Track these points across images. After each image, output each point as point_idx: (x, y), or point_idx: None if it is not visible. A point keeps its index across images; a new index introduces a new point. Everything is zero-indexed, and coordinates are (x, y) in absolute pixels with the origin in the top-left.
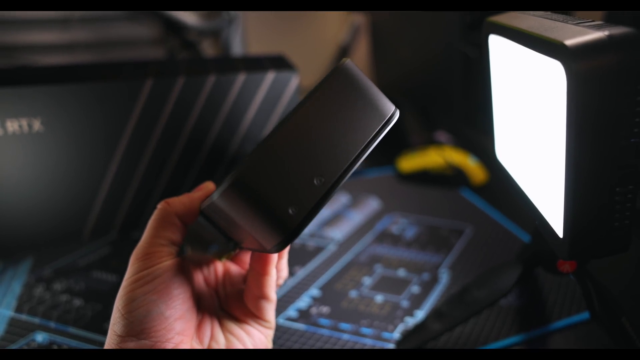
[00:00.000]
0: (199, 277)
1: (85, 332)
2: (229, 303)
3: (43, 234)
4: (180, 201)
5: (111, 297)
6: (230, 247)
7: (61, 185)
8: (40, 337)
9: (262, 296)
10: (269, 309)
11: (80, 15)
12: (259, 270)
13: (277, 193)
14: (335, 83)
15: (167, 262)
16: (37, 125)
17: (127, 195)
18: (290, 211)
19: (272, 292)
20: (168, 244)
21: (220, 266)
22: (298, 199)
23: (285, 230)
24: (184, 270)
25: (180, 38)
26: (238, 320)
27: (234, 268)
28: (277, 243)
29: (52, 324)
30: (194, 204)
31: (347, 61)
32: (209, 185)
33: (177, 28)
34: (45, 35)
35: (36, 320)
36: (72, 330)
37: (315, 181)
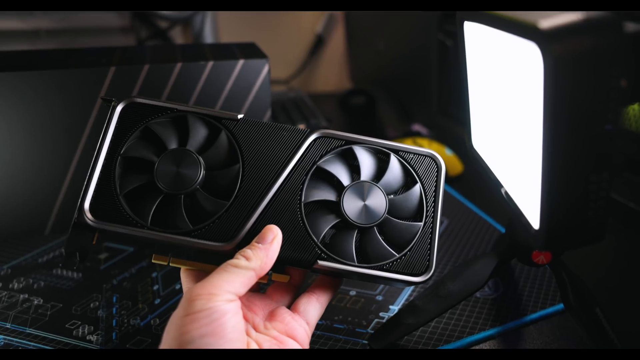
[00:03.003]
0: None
1: (44, 333)
2: (274, 326)
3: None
4: (261, 259)
5: (72, 295)
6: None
7: (18, 179)
8: None
9: (318, 314)
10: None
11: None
12: (332, 291)
13: None
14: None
15: (227, 305)
16: None
17: None
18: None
19: None
20: (233, 294)
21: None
22: None
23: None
24: (239, 312)
25: (150, 26)
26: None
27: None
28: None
29: (8, 325)
30: (273, 257)
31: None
32: (278, 233)
33: (146, 16)
34: (5, 22)
35: None
36: (30, 331)
37: None
